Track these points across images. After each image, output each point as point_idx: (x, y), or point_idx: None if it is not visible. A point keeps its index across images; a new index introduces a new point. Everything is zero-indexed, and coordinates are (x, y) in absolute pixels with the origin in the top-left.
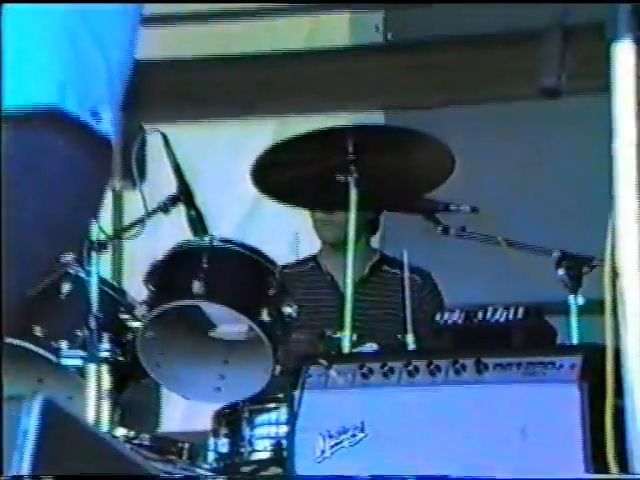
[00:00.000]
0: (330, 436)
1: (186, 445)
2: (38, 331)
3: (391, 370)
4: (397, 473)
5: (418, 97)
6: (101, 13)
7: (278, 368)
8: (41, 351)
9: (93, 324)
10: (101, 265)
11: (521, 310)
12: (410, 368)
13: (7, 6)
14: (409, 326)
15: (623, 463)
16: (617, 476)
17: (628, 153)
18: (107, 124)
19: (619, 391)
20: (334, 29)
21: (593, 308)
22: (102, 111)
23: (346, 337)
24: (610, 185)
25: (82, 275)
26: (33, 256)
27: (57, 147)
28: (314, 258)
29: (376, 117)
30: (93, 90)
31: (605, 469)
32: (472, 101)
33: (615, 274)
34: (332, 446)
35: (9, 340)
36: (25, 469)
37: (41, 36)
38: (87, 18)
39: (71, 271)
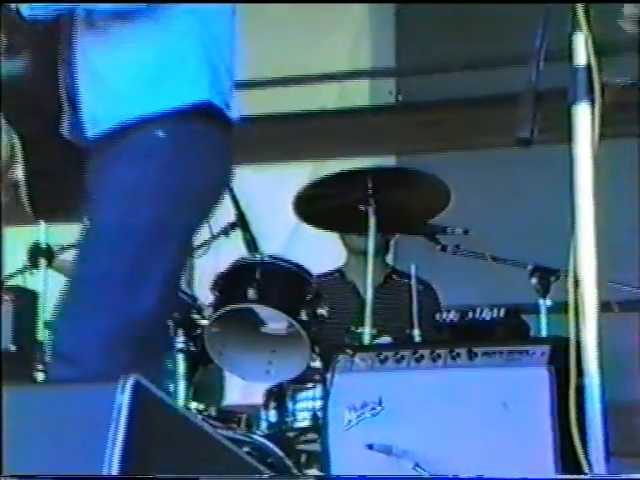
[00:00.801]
0: (355, 409)
1: (244, 416)
2: None
3: (402, 357)
4: (407, 437)
5: (423, 145)
6: (216, 19)
7: (314, 356)
8: None
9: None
10: None
11: (502, 310)
12: (417, 356)
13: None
14: (415, 323)
15: (582, 428)
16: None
17: (586, 188)
18: (234, 112)
19: (579, 373)
20: (357, 93)
21: (559, 309)
22: (230, 101)
23: (366, 332)
24: (572, 212)
25: None
26: (191, 229)
27: (211, 135)
28: (339, 270)
29: (390, 160)
30: (223, 86)
31: (569, 432)
32: (465, 148)
33: (576, 282)
34: (357, 417)
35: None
36: (119, 442)
37: (189, 48)
38: (208, 27)
39: None
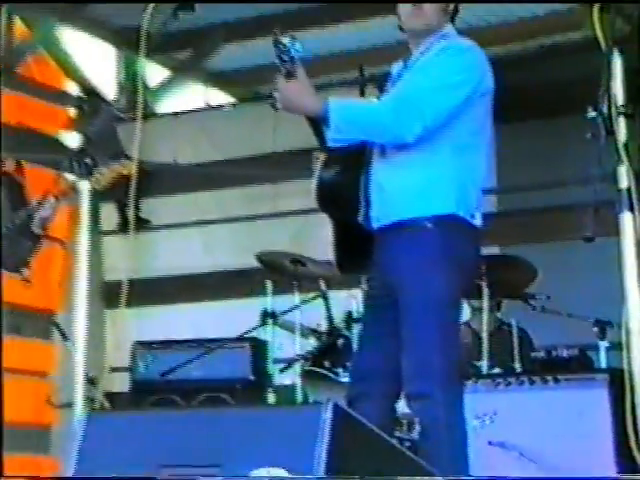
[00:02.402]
0: (479, 417)
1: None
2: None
3: (509, 382)
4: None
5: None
6: (469, 148)
7: None
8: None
9: None
10: None
11: (575, 350)
12: (519, 381)
13: None
14: (516, 358)
15: (636, 433)
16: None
17: (631, 270)
18: (477, 220)
19: (632, 393)
20: None
21: (614, 348)
22: (475, 212)
23: (484, 364)
24: (622, 285)
25: None
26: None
27: (465, 244)
28: (467, 322)
29: (494, 249)
30: (470, 200)
31: (625, 436)
32: (546, 241)
33: (627, 330)
34: (480, 423)
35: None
36: (324, 446)
37: (444, 173)
38: (462, 157)
39: None
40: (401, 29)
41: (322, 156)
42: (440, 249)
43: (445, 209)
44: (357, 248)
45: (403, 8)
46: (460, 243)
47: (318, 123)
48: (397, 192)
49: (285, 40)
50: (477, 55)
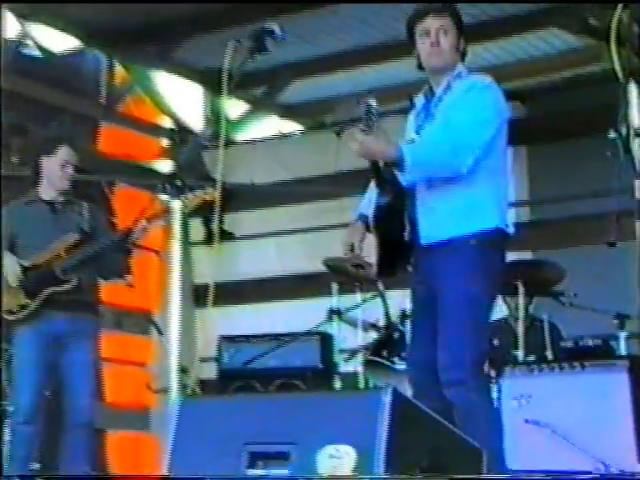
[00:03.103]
0: (516, 398)
1: None
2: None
3: (542, 368)
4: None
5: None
6: (501, 171)
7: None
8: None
9: None
10: None
11: (599, 340)
12: (550, 367)
13: None
14: (548, 347)
15: None
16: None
17: None
18: (510, 228)
19: None
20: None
21: (632, 337)
22: (508, 221)
23: (520, 353)
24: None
25: None
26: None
27: (498, 254)
28: (505, 318)
29: (527, 254)
30: (504, 212)
31: None
32: (572, 246)
33: None
34: (518, 403)
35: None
36: (385, 424)
37: (485, 194)
38: (497, 178)
39: None
40: (419, 67)
41: (377, 187)
42: (480, 263)
43: (489, 224)
44: (394, 258)
45: (422, 47)
46: (495, 254)
47: (378, 165)
48: (446, 214)
49: (372, 102)
50: (497, 89)
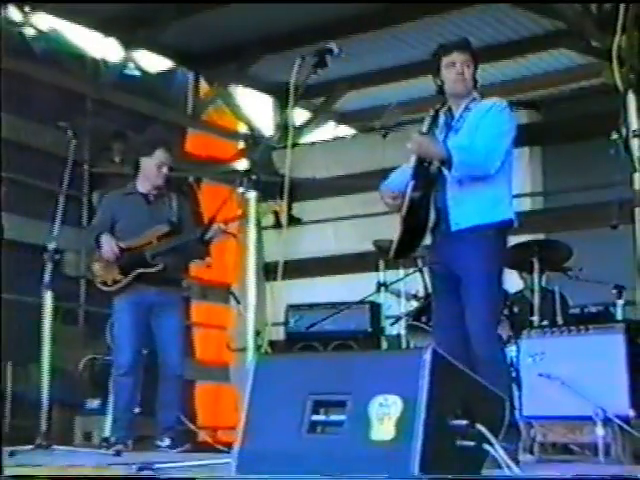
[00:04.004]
0: (532, 356)
1: None
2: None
3: (553, 331)
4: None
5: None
6: (512, 164)
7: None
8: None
9: None
10: None
11: (601, 307)
12: (560, 330)
13: None
14: (558, 313)
15: None
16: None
17: None
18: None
19: None
20: (530, 204)
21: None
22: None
23: (535, 319)
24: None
25: None
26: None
27: (506, 240)
28: (521, 291)
29: (541, 235)
30: (513, 205)
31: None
32: (581, 229)
33: None
34: (533, 360)
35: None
36: (426, 381)
37: (505, 187)
38: (509, 172)
39: None
40: (440, 92)
41: (412, 181)
42: (498, 247)
43: (506, 216)
44: (412, 244)
45: (449, 76)
46: (506, 240)
47: (422, 165)
48: (473, 206)
49: (437, 109)
50: (510, 107)
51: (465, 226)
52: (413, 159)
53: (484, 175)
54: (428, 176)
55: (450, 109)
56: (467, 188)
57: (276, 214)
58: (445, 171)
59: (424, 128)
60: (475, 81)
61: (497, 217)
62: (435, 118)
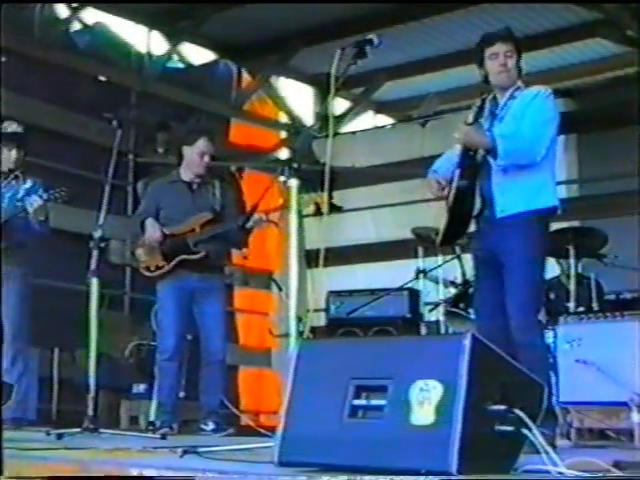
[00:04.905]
0: (569, 342)
1: None
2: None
3: (589, 317)
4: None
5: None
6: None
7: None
8: None
9: None
10: None
11: (636, 293)
12: (597, 315)
13: None
14: (594, 300)
15: None
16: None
17: None
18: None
19: None
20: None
21: None
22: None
23: (571, 305)
24: None
25: None
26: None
27: (548, 227)
28: (557, 276)
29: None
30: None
31: None
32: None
33: None
34: (570, 346)
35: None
36: (465, 364)
37: (549, 177)
38: (553, 160)
39: None
40: (485, 82)
41: (458, 171)
42: (542, 233)
43: (551, 203)
44: (457, 231)
45: (492, 67)
46: (548, 227)
47: (467, 153)
48: (519, 193)
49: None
50: (553, 95)
51: (510, 213)
52: (459, 148)
53: (529, 163)
54: (474, 165)
55: (495, 98)
56: (512, 176)
57: (317, 203)
58: (491, 160)
59: (470, 118)
60: (519, 69)
61: (542, 204)
62: (481, 107)
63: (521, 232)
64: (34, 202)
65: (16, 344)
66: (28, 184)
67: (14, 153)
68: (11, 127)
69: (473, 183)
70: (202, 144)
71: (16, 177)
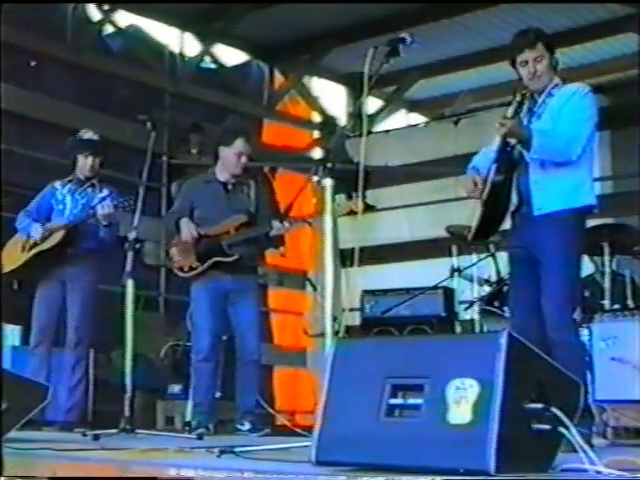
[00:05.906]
0: (604, 340)
1: None
2: None
3: (625, 314)
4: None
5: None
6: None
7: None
8: None
9: None
10: None
11: None
12: (632, 313)
13: None
14: (629, 297)
15: None
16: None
17: None
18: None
19: None
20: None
21: None
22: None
23: (606, 303)
24: None
25: None
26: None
27: (585, 225)
28: (592, 274)
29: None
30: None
31: None
32: None
33: None
34: (605, 344)
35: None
36: (502, 362)
37: (587, 174)
38: (591, 156)
39: None
40: (521, 79)
41: (494, 166)
42: (579, 231)
43: (588, 201)
44: (491, 227)
45: (523, 73)
46: (585, 225)
47: (505, 148)
48: (556, 191)
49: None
50: (592, 92)
51: (548, 210)
52: (497, 142)
53: (565, 161)
54: (511, 160)
55: (533, 94)
56: (550, 172)
57: (350, 197)
58: (525, 153)
59: (509, 113)
60: (555, 66)
61: (579, 202)
62: (521, 103)
63: (558, 230)
64: (105, 206)
65: (79, 351)
66: (104, 192)
67: (90, 161)
68: (87, 134)
69: (509, 179)
70: (240, 144)
71: (92, 185)
